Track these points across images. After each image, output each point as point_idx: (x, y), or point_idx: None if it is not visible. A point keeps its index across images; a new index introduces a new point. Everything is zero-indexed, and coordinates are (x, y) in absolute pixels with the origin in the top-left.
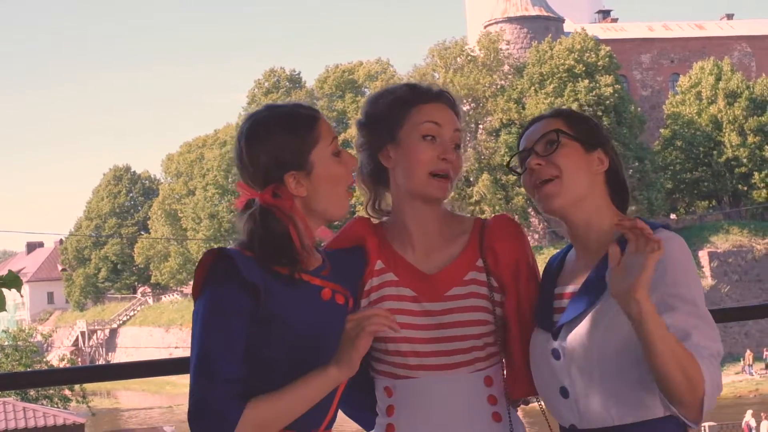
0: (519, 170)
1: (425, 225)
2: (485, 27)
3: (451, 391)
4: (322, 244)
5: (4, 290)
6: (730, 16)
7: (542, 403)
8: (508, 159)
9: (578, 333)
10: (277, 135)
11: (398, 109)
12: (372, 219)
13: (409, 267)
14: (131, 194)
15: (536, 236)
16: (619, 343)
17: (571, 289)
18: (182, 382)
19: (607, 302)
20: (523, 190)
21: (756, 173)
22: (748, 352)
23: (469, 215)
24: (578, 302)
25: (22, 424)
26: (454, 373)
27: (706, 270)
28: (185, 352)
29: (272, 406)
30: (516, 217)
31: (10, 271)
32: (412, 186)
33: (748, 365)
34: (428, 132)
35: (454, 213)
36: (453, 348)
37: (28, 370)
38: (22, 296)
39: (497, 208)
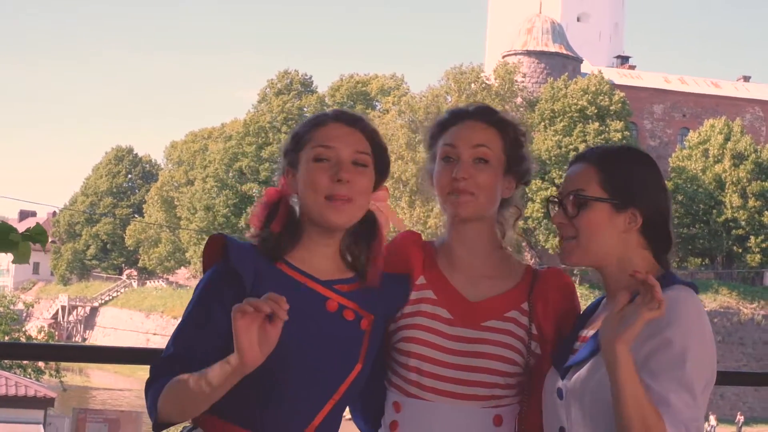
0: (552, 206)
1: (470, 249)
2: (503, 57)
3: (459, 421)
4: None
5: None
6: (746, 78)
7: None
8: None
9: (580, 375)
10: (294, 130)
11: (436, 135)
12: (422, 235)
13: (450, 289)
14: (130, 176)
15: None
16: (609, 392)
17: (586, 333)
18: None
19: None
20: (520, 224)
21: (753, 237)
22: (712, 414)
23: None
24: (589, 345)
25: None
26: (466, 404)
27: None
28: (163, 339)
29: (184, 385)
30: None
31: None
32: (443, 208)
33: (712, 426)
34: (445, 154)
35: (508, 251)
36: (475, 379)
37: (6, 341)
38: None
39: None
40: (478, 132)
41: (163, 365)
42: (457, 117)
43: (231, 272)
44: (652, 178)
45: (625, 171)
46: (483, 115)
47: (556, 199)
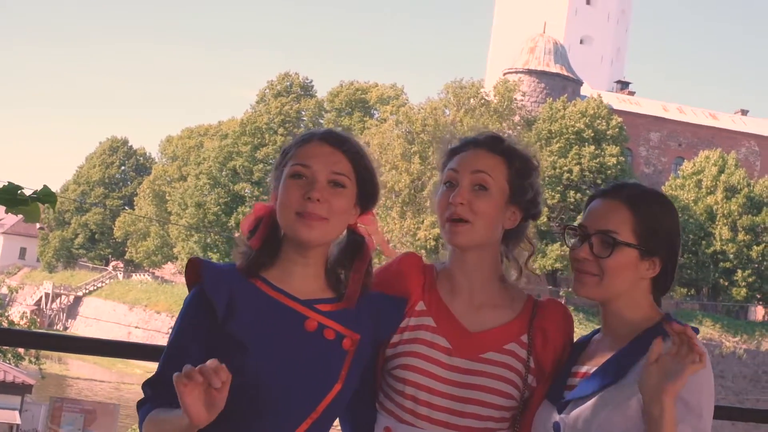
0: (571, 235)
1: (471, 277)
2: (504, 74)
3: None
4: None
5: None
6: (744, 112)
7: None
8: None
9: (583, 410)
10: (284, 147)
11: (444, 163)
12: (424, 258)
13: (450, 318)
14: (123, 167)
15: None
16: (618, 430)
17: (585, 369)
18: (135, 362)
19: (620, 387)
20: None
21: (740, 271)
22: None
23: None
24: (592, 381)
25: None
26: None
27: None
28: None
29: (158, 421)
30: None
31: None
32: (443, 236)
33: None
34: (447, 179)
35: (508, 279)
36: (469, 411)
37: None
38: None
39: None
40: (481, 159)
41: (149, 389)
42: (466, 144)
43: (205, 297)
44: (676, 229)
45: (655, 219)
46: (490, 143)
47: (578, 232)
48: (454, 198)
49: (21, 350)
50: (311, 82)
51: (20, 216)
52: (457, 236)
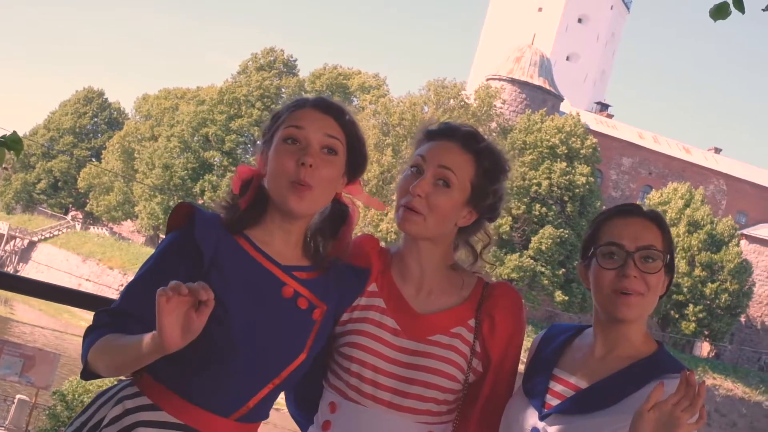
0: (593, 256)
1: (422, 263)
2: (487, 79)
3: (392, 430)
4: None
5: None
6: (718, 150)
7: None
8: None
9: (569, 428)
10: (274, 110)
11: (415, 148)
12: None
13: (401, 300)
14: (96, 119)
15: None
16: None
17: (574, 380)
18: (81, 314)
19: (610, 414)
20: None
21: (691, 305)
22: None
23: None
24: (582, 399)
25: None
26: (401, 415)
27: None
28: (95, 287)
29: (114, 344)
30: None
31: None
32: (396, 220)
33: None
34: (414, 164)
35: (459, 264)
36: (413, 391)
37: None
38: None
39: None
40: (451, 154)
41: (107, 316)
42: (442, 132)
43: (191, 242)
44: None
45: (670, 237)
46: (465, 139)
47: (613, 250)
48: (413, 188)
49: None
50: (295, 60)
51: None
52: (408, 224)
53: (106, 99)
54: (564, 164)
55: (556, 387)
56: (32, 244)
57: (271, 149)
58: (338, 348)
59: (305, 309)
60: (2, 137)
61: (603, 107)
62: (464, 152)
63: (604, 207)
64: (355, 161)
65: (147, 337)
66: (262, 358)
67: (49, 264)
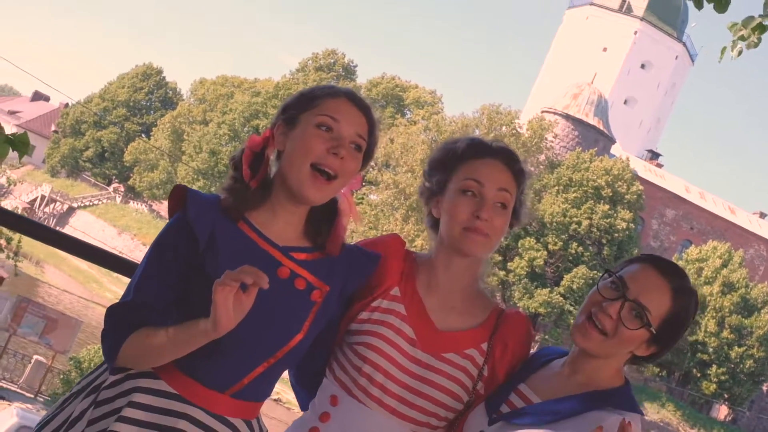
0: (610, 284)
1: (454, 280)
2: (542, 111)
3: None
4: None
5: None
6: (763, 215)
7: None
8: (502, 239)
9: None
10: (304, 90)
11: (452, 162)
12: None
13: (422, 310)
14: (151, 96)
15: None
16: None
17: (532, 396)
18: (108, 286)
19: (555, 428)
20: (499, 273)
21: (715, 366)
22: None
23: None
24: (532, 410)
25: None
26: (402, 423)
27: None
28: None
29: (151, 339)
30: None
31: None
32: (448, 239)
33: None
34: (468, 188)
35: (482, 288)
36: (418, 404)
37: None
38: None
39: None
40: (504, 176)
41: (124, 313)
42: (480, 151)
43: (187, 226)
44: (688, 327)
45: (684, 316)
46: (508, 159)
47: (617, 285)
48: (482, 213)
49: (3, 242)
50: (355, 66)
51: (40, 114)
52: (475, 247)
53: (164, 77)
54: (607, 207)
55: (515, 399)
56: (71, 210)
57: (299, 130)
58: (352, 344)
59: (303, 290)
60: (12, 135)
61: (654, 155)
62: (510, 172)
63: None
64: (367, 158)
65: (188, 328)
66: (256, 337)
67: (85, 231)
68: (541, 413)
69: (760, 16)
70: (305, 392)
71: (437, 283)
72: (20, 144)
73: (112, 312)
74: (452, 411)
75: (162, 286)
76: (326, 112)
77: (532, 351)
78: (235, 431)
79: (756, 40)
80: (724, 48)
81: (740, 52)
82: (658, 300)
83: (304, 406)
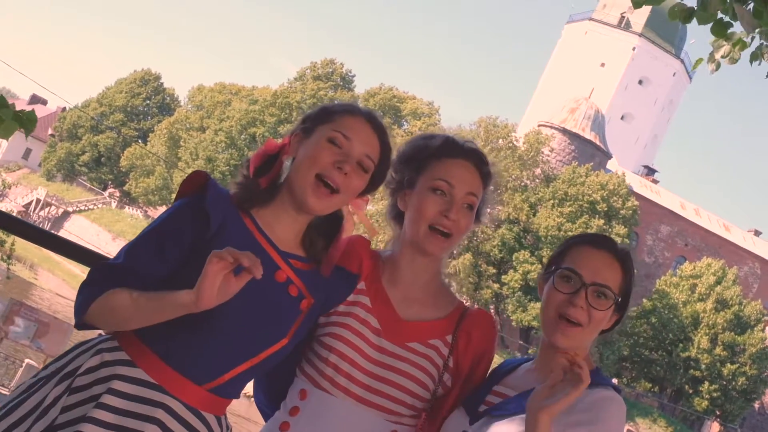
0: (565, 279)
1: (417, 275)
2: (539, 125)
3: (359, 424)
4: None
5: None
6: (757, 233)
7: None
8: (497, 252)
9: (493, 427)
10: (326, 105)
11: (424, 159)
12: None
13: (387, 302)
14: (148, 102)
15: None
16: None
17: (512, 393)
18: None
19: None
20: (493, 286)
21: (707, 383)
22: None
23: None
24: (509, 403)
25: None
26: (370, 411)
27: None
28: None
29: (125, 300)
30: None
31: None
32: (412, 235)
33: None
34: (439, 187)
35: (446, 284)
36: (385, 391)
37: None
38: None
39: (463, 289)
40: (474, 179)
41: (107, 272)
42: (453, 151)
43: (201, 210)
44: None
45: (632, 279)
46: (478, 160)
47: (572, 278)
48: (450, 214)
49: None
50: (353, 75)
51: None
52: (438, 248)
53: (162, 83)
54: (602, 221)
55: (493, 399)
56: (66, 214)
57: (311, 141)
58: (319, 337)
59: (295, 297)
60: (20, 111)
61: (650, 171)
62: (479, 174)
63: (636, 271)
64: (374, 182)
65: (167, 296)
66: (244, 335)
67: (79, 236)
68: (517, 403)
69: (740, 32)
70: (271, 405)
71: (401, 277)
72: (27, 121)
73: (96, 269)
74: (419, 399)
75: (154, 258)
76: (340, 128)
77: (504, 359)
78: (206, 425)
79: (736, 57)
80: (699, 60)
81: (718, 66)
82: (611, 272)
83: (268, 419)
